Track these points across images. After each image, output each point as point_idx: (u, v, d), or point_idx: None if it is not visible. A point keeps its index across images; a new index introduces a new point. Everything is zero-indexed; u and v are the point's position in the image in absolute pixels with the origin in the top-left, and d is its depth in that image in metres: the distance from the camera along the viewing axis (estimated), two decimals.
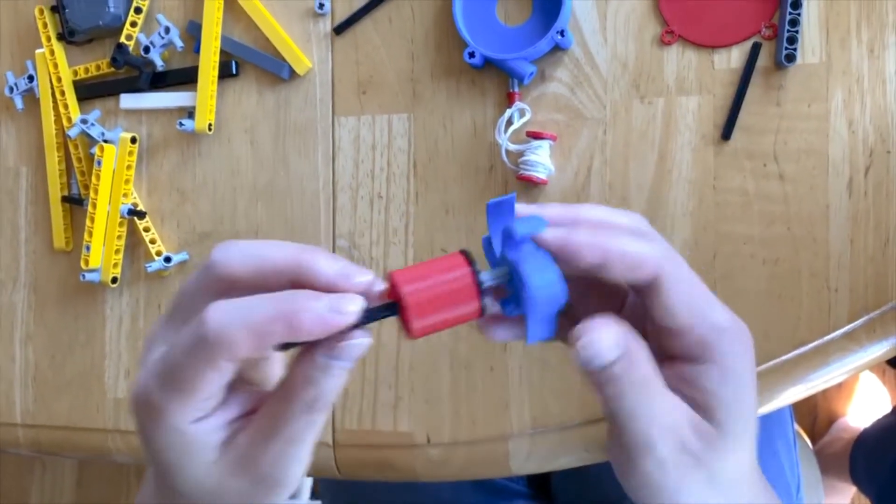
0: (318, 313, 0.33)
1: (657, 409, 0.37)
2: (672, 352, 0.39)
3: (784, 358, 0.57)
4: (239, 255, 0.35)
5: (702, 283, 0.39)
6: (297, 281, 0.35)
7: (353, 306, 0.34)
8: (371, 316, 0.35)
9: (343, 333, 0.34)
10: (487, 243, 0.40)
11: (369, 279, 0.36)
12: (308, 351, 0.35)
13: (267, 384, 0.39)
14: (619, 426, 0.38)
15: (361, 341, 0.35)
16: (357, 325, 0.35)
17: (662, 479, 0.38)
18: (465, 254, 0.37)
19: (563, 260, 0.36)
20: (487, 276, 0.37)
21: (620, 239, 0.36)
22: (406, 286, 0.36)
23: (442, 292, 0.36)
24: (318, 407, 0.35)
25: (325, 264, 0.35)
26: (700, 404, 0.38)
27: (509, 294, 0.38)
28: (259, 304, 0.33)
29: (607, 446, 0.42)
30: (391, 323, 0.66)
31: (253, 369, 0.39)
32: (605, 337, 0.36)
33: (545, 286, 0.36)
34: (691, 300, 0.38)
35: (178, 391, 0.34)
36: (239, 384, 0.37)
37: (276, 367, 0.40)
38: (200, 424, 0.35)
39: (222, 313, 0.33)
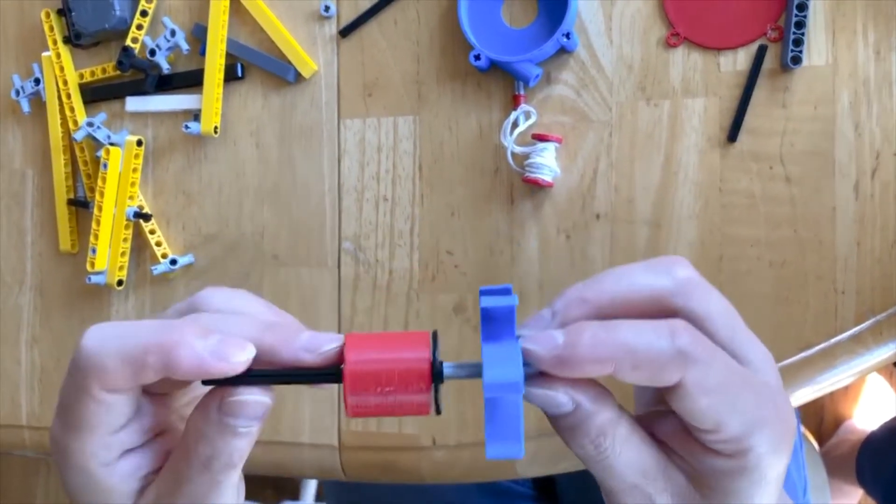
0: (196, 353, 0.30)
1: (619, 470, 0.33)
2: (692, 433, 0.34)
3: (790, 360, 0.57)
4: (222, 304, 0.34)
5: (735, 373, 0.32)
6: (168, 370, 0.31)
7: (242, 355, 0.31)
8: (306, 376, 0.31)
9: (241, 386, 0.31)
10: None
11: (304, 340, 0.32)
12: (203, 401, 0.32)
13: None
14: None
15: (254, 399, 0.31)
16: (278, 381, 0.31)
17: None
18: (434, 336, 0.32)
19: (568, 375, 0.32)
20: (450, 367, 0.32)
21: (630, 336, 0.31)
22: (352, 353, 0.31)
23: (390, 371, 0.31)
24: (216, 468, 0.32)
25: (194, 343, 0.31)
26: (699, 483, 0.34)
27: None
28: (137, 332, 0.31)
29: None
30: (397, 327, 0.66)
31: (185, 409, 0.37)
32: (559, 394, 0.32)
33: (500, 386, 0.30)
34: (719, 400, 0.31)
35: (72, 428, 0.32)
36: (167, 429, 0.35)
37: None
38: (109, 469, 0.33)
39: (97, 338, 0.31)
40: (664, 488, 0.34)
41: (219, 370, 0.30)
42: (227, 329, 0.32)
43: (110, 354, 0.30)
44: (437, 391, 0.31)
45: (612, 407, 0.33)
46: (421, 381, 0.31)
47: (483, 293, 0.33)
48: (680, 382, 0.31)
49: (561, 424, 0.33)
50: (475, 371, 0.32)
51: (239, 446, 0.32)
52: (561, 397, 0.32)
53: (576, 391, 0.32)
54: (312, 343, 0.32)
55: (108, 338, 0.30)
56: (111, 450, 0.33)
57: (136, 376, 0.30)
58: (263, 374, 0.31)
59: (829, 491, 1.30)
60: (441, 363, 0.32)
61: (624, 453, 0.33)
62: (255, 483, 1.46)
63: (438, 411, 0.32)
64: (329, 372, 0.32)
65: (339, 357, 0.32)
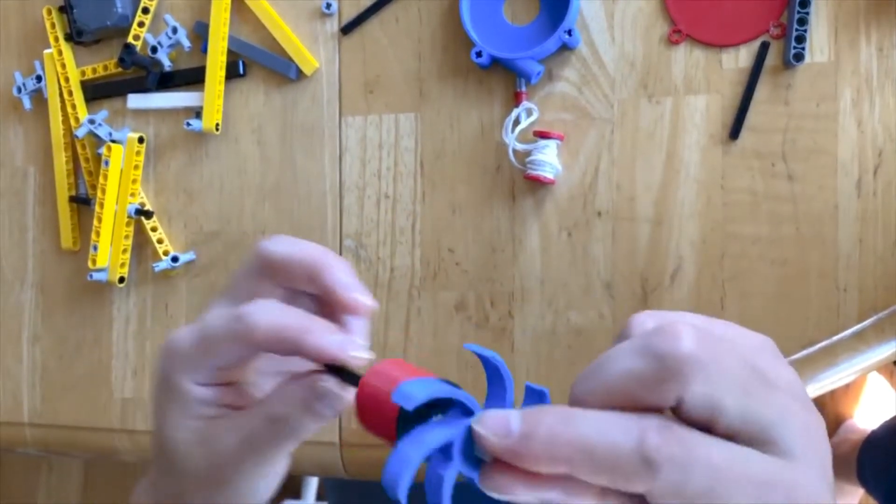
0: (327, 341, 0.35)
1: None
2: None
3: (793, 358, 0.57)
4: (283, 248, 0.38)
5: (733, 481, 0.26)
6: (314, 279, 0.38)
7: (360, 356, 0.36)
8: (341, 374, 0.36)
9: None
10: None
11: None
12: (299, 377, 0.37)
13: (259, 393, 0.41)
14: None
15: (339, 393, 0.36)
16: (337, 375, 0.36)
17: None
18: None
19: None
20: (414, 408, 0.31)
21: (591, 433, 0.27)
22: (371, 376, 0.35)
23: (378, 402, 0.33)
24: (283, 430, 0.37)
25: (341, 274, 0.37)
26: None
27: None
28: (288, 314, 0.36)
29: None
30: (398, 325, 0.66)
31: (254, 375, 0.41)
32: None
33: (392, 477, 0.30)
34: None
35: (201, 349, 0.37)
36: (236, 383, 0.40)
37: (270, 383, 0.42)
38: (199, 388, 0.38)
39: (260, 307, 0.36)
40: None
41: (336, 357, 0.36)
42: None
43: (267, 320, 0.36)
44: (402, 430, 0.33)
45: (593, 497, 0.28)
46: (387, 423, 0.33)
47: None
48: (647, 493, 0.26)
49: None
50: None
51: (307, 425, 0.37)
52: (522, 497, 0.28)
53: (541, 487, 0.28)
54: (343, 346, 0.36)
55: (268, 309, 0.36)
56: (209, 378, 0.38)
57: (276, 344, 0.36)
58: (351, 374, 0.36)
59: None
60: (405, 411, 0.32)
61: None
62: None
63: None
64: (354, 378, 0.36)
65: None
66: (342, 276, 0.37)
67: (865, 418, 1.43)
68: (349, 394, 0.36)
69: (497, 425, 0.28)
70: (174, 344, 0.39)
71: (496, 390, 0.35)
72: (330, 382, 0.36)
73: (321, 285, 0.37)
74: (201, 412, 0.39)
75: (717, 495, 0.26)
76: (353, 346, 0.36)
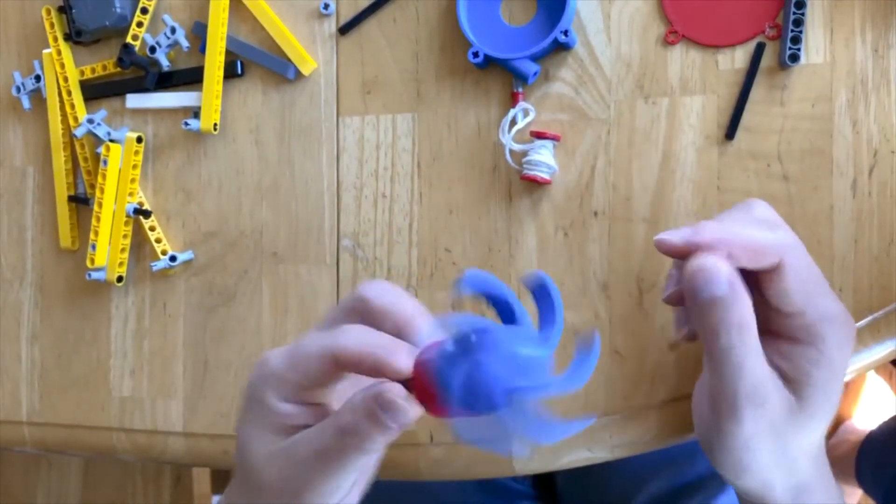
0: (407, 362, 0.38)
1: (748, 368, 0.40)
2: (778, 330, 0.43)
3: None
4: (382, 296, 0.41)
5: (818, 272, 0.43)
6: (401, 335, 0.40)
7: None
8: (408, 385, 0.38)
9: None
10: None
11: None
12: (370, 393, 0.39)
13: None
14: (712, 372, 0.41)
15: (407, 407, 0.38)
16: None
17: (737, 439, 0.41)
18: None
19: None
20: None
21: (745, 230, 0.41)
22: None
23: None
24: (351, 443, 0.39)
25: (425, 331, 0.41)
26: (791, 378, 0.42)
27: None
28: (375, 336, 0.39)
29: (696, 390, 0.47)
30: None
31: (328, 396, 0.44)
32: (722, 269, 0.39)
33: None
34: (807, 287, 0.41)
35: (290, 366, 0.40)
36: (322, 405, 0.43)
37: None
38: (283, 404, 0.40)
39: (350, 328, 0.39)
40: (772, 389, 0.41)
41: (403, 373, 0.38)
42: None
43: (358, 342, 0.39)
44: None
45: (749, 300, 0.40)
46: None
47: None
48: (779, 264, 0.40)
49: (707, 319, 0.40)
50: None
51: (381, 440, 0.38)
52: (722, 268, 0.39)
53: (730, 264, 0.40)
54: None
55: (359, 333, 0.39)
56: (295, 398, 0.41)
57: (362, 364, 0.38)
58: None
59: None
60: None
61: (754, 351, 0.40)
62: None
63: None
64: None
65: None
66: (424, 338, 0.40)
67: (864, 419, 1.43)
68: (415, 407, 0.38)
69: (679, 232, 0.42)
70: (266, 360, 0.41)
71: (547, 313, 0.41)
72: (395, 391, 0.37)
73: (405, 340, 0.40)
74: (282, 427, 0.41)
75: (812, 278, 0.43)
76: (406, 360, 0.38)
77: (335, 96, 0.67)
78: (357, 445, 0.38)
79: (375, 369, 0.38)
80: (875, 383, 1.45)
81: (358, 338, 0.38)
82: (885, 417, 1.33)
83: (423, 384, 0.38)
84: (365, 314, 0.41)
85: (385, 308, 0.40)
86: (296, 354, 0.40)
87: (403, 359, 0.38)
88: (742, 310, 0.40)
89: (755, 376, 0.40)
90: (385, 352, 0.38)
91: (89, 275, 0.70)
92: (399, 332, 0.40)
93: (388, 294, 0.41)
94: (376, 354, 0.38)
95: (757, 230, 0.41)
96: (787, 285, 0.41)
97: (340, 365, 0.39)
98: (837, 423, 1.45)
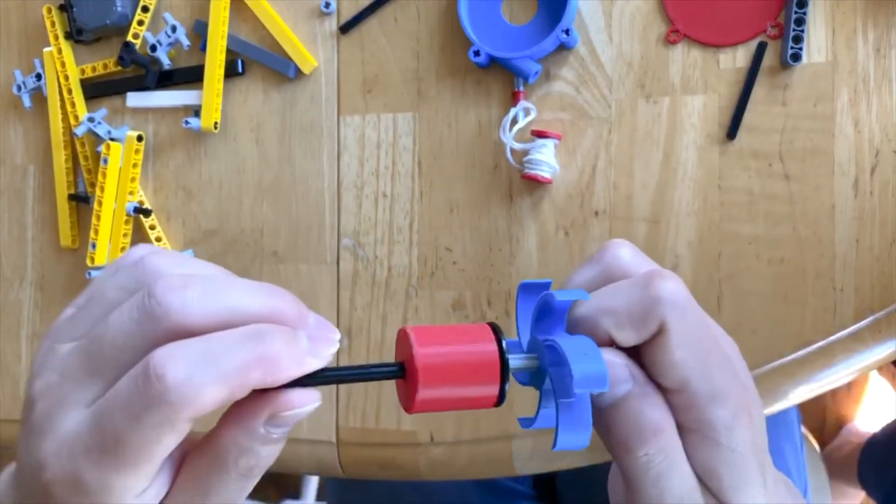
0: (297, 358, 0.29)
1: (673, 486, 0.32)
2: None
3: (789, 358, 0.57)
4: (202, 303, 0.28)
5: (712, 333, 0.33)
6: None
7: (333, 348, 0.30)
8: (367, 373, 0.31)
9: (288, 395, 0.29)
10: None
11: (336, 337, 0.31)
12: (237, 414, 0.30)
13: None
14: (627, 488, 0.33)
15: (311, 408, 0.30)
16: (343, 381, 0.31)
17: None
18: (494, 327, 0.32)
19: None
20: (517, 359, 0.32)
21: (617, 295, 0.32)
22: (420, 346, 0.30)
23: (459, 364, 0.30)
24: (255, 474, 0.31)
25: (303, 316, 0.30)
26: (705, 482, 0.33)
27: (539, 387, 0.33)
28: (227, 348, 0.28)
29: (611, 475, 0.38)
30: (396, 323, 0.66)
31: None
32: (616, 361, 0.32)
33: (590, 378, 0.29)
34: (695, 355, 0.31)
35: (124, 464, 0.28)
36: None
37: None
38: (142, 498, 0.29)
39: (183, 364, 0.27)
40: (702, 494, 0.32)
41: (313, 368, 0.29)
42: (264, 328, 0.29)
43: (209, 382, 0.27)
44: (504, 382, 0.31)
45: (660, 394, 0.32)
46: (491, 373, 0.31)
47: (528, 287, 0.34)
48: (661, 328, 0.31)
49: (613, 428, 0.32)
50: (537, 365, 0.32)
51: (279, 450, 0.31)
52: (621, 370, 0.31)
53: (632, 363, 0.32)
54: (319, 334, 0.30)
55: (198, 363, 0.27)
56: (151, 475, 0.29)
57: (235, 396, 0.28)
58: (329, 374, 0.30)
59: (829, 493, 1.30)
60: (508, 353, 0.31)
61: (676, 461, 0.32)
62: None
63: (501, 402, 0.31)
64: (392, 370, 0.31)
65: (397, 351, 0.32)
66: (309, 321, 0.31)
67: (867, 422, 1.43)
68: (317, 401, 0.30)
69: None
70: (66, 479, 0.29)
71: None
72: (298, 405, 0.29)
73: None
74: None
75: (700, 346, 0.32)
76: (326, 345, 0.30)
77: (336, 95, 0.67)
78: (264, 468, 0.31)
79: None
80: (878, 386, 1.45)
81: (206, 376, 0.27)
82: (888, 420, 1.33)
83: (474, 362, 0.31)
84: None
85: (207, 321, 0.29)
86: (121, 449, 0.28)
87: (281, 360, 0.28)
88: (655, 409, 0.31)
89: (682, 491, 0.32)
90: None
91: (89, 273, 0.70)
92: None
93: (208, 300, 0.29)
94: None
95: (629, 290, 0.32)
96: (669, 356, 0.31)
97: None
98: (840, 426, 1.45)
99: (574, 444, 0.31)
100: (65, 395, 0.29)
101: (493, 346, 0.31)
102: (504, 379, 0.31)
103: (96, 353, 0.29)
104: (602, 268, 0.35)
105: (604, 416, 0.32)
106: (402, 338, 0.31)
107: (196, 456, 0.30)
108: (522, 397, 0.62)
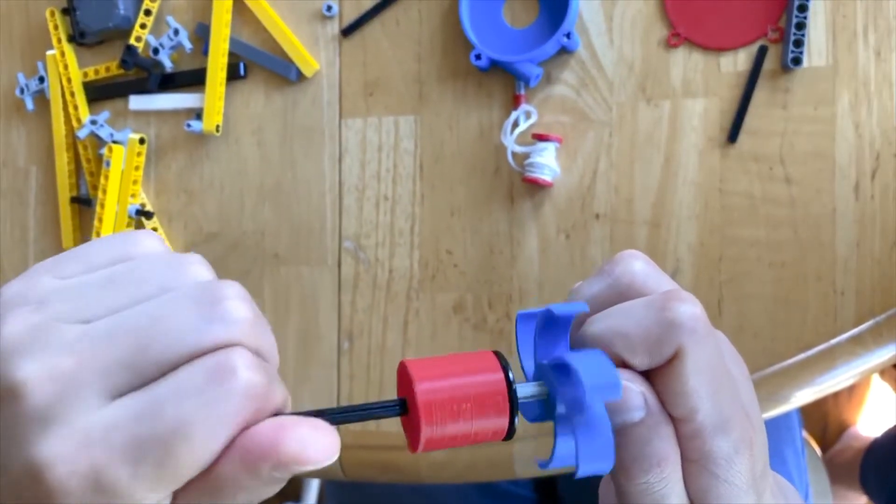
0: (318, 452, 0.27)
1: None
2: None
3: (790, 361, 0.57)
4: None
5: (724, 361, 0.32)
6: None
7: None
8: (369, 413, 0.30)
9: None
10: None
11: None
12: (245, 451, 0.28)
13: None
14: (622, 498, 0.33)
15: (329, 461, 0.28)
16: (343, 423, 0.29)
17: None
18: (498, 356, 0.30)
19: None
20: (525, 388, 0.30)
21: (632, 314, 0.31)
22: (421, 382, 0.29)
23: (464, 398, 0.29)
24: None
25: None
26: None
27: (551, 416, 0.31)
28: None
29: (602, 487, 0.37)
30: (397, 326, 0.66)
31: None
32: (632, 388, 0.30)
33: (603, 387, 0.28)
34: (709, 383, 0.31)
35: (163, 467, 0.26)
36: None
37: None
38: None
39: (254, 368, 0.27)
40: None
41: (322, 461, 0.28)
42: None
43: (273, 394, 0.28)
44: (514, 413, 0.29)
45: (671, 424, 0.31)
46: (499, 404, 0.29)
47: (526, 317, 0.33)
48: (677, 354, 0.30)
49: (618, 452, 0.31)
50: (546, 393, 0.30)
51: (279, 487, 0.29)
52: (635, 397, 0.30)
53: (648, 389, 0.30)
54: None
55: (264, 372, 0.27)
56: (172, 489, 0.28)
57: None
58: (328, 416, 0.29)
59: (831, 497, 1.30)
60: (514, 383, 0.29)
61: (675, 491, 0.31)
62: None
63: (511, 435, 0.30)
64: (393, 406, 0.30)
65: (399, 387, 0.30)
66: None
67: (869, 426, 1.43)
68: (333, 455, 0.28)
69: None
70: (91, 474, 0.27)
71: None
72: (309, 460, 0.27)
73: None
74: None
75: (714, 376, 0.30)
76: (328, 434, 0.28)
77: (337, 98, 0.67)
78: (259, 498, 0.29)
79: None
80: (880, 390, 1.44)
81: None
82: (890, 424, 1.33)
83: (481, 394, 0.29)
84: None
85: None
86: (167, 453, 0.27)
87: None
88: (663, 440, 0.30)
89: None
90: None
91: None
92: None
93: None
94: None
95: (644, 311, 0.31)
96: (682, 385, 0.30)
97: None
98: (842, 430, 1.45)
99: (596, 469, 0.29)
100: (85, 383, 0.26)
101: (500, 375, 0.29)
102: (514, 409, 0.29)
103: (142, 347, 0.27)
104: (612, 281, 0.33)
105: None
106: (402, 372, 0.30)
107: (194, 481, 0.28)
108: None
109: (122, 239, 0.31)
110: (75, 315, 0.28)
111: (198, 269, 0.30)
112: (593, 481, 0.35)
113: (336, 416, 0.29)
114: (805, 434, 1.27)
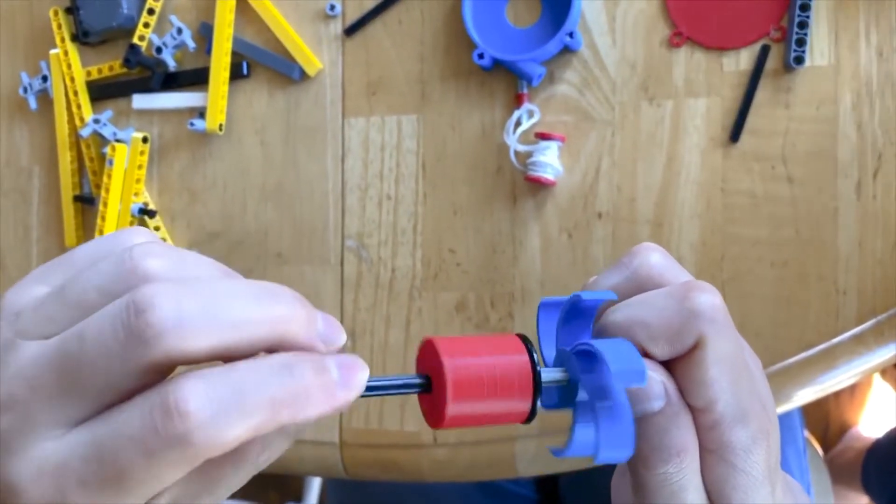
0: (330, 390, 0.26)
1: (688, 499, 0.31)
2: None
3: (792, 360, 0.57)
4: (202, 322, 0.25)
5: (741, 352, 0.32)
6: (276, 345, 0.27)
7: (364, 375, 0.28)
8: (390, 388, 0.29)
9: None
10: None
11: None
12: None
13: None
14: (637, 497, 0.33)
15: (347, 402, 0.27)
16: (364, 396, 0.28)
17: None
18: (523, 339, 0.30)
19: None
20: (549, 373, 0.30)
21: (654, 303, 0.31)
22: (449, 358, 0.29)
23: (490, 377, 0.29)
24: (265, 462, 0.29)
25: (312, 319, 0.28)
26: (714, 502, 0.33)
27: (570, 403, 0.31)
28: (254, 385, 0.25)
29: (614, 481, 0.37)
30: (399, 325, 0.66)
31: None
32: (654, 378, 0.30)
33: (629, 373, 0.28)
34: (728, 373, 0.31)
35: (126, 495, 0.25)
36: None
37: None
38: None
39: (208, 401, 0.24)
40: None
41: (349, 399, 0.27)
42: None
43: (235, 422, 0.25)
44: (537, 396, 0.29)
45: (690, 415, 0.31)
46: (524, 386, 0.29)
47: (549, 305, 0.33)
48: (698, 344, 0.30)
49: (637, 442, 0.31)
50: (567, 379, 0.31)
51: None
52: (656, 386, 0.30)
53: (668, 379, 0.31)
54: (329, 335, 0.28)
55: (223, 401, 0.24)
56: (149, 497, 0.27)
57: (260, 433, 0.26)
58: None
59: (832, 497, 1.30)
60: (539, 366, 0.30)
61: (693, 481, 0.31)
62: (258, 484, 1.46)
63: (532, 418, 0.30)
64: (419, 383, 0.29)
65: (419, 362, 0.30)
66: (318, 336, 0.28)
67: (870, 426, 1.43)
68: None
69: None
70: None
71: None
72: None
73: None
74: None
75: (733, 367, 0.31)
76: (358, 375, 0.27)
77: (340, 97, 0.67)
78: (269, 461, 0.29)
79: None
80: (882, 391, 1.44)
81: (231, 417, 0.25)
82: (892, 425, 1.33)
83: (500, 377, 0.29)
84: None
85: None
86: (124, 479, 0.25)
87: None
88: (683, 430, 0.31)
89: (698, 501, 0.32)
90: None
91: None
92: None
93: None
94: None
95: (665, 301, 0.31)
96: (703, 374, 0.30)
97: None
98: (843, 430, 1.45)
99: (616, 456, 0.29)
100: (37, 413, 0.26)
101: (525, 357, 0.29)
102: (537, 392, 0.29)
103: (72, 372, 0.25)
104: (630, 273, 0.33)
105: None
106: (428, 349, 0.29)
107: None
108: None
109: (110, 240, 0.30)
110: (37, 330, 0.27)
111: (127, 247, 0.28)
112: (595, 481, 0.35)
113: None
114: (807, 434, 1.27)
